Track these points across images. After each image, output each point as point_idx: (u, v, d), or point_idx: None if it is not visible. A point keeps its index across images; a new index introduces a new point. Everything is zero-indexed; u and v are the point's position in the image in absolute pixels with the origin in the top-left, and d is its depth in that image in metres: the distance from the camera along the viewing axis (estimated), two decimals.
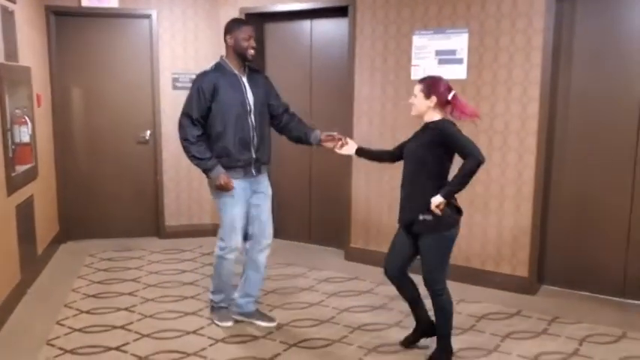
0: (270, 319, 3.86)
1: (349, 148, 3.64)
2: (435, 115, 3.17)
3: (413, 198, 3.17)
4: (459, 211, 3.17)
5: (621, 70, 4.15)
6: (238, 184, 3.60)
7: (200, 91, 3.53)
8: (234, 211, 3.63)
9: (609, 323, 3.87)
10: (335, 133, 3.71)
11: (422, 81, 3.22)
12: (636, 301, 4.24)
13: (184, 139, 3.56)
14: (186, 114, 3.57)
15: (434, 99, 3.14)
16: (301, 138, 3.81)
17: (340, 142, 3.66)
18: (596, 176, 4.30)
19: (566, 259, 4.48)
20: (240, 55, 3.59)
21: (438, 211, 3.03)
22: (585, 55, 4.27)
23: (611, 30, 4.17)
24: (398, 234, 3.35)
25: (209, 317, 3.90)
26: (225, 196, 3.60)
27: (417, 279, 3.31)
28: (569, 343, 3.57)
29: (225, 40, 3.64)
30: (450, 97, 3.15)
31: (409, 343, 3.49)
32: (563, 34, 4.30)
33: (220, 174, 3.52)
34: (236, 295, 3.86)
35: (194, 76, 5.70)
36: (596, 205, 4.33)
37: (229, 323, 3.80)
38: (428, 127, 3.19)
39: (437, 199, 3.02)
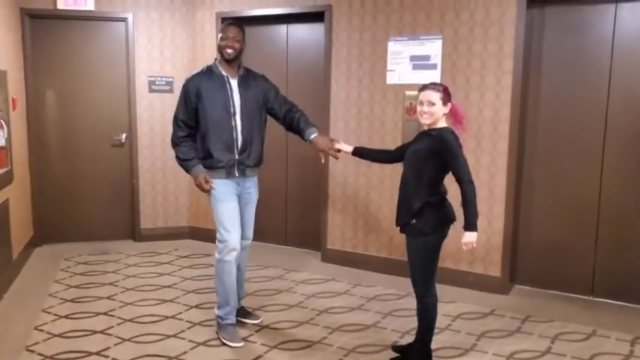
0: (256, 317, 3.92)
1: (345, 151, 3.63)
2: (442, 123, 3.11)
3: (406, 203, 3.15)
4: (447, 220, 3.13)
5: (589, 74, 4.30)
6: (224, 182, 3.62)
7: (185, 95, 3.62)
8: (224, 207, 3.61)
9: (579, 321, 4.00)
10: (330, 151, 3.64)
11: (436, 88, 3.08)
12: (604, 300, 4.40)
13: (172, 141, 3.68)
14: (174, 117, 3.67)
15: (449, 106, 3.08)
16: (301, 138, 3.81)
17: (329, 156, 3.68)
18: (565, 179, 4.45)
19: (537, 259, 4.62)
20: (221, 55, 3.65)
21: (472, 246, 3.01)
22: (554, 60, 4.41)
23: (578, 36, 4.31)
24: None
25: (218, 337, 3.65)
26: (214, 196, 3.62)
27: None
28: (541, 342, 3.69)
29: None
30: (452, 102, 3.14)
31: (397, 350, 3.48)
32: (534, 41, 4.44)
33: (199, 173, 3.58)
34: None
35: (170, 79, 5.83)
36: (566, 207, 4.47)
37: (240, 344, 3.56)
38: (428, 133, 3.10)
39: (470, 237, 2.98)
